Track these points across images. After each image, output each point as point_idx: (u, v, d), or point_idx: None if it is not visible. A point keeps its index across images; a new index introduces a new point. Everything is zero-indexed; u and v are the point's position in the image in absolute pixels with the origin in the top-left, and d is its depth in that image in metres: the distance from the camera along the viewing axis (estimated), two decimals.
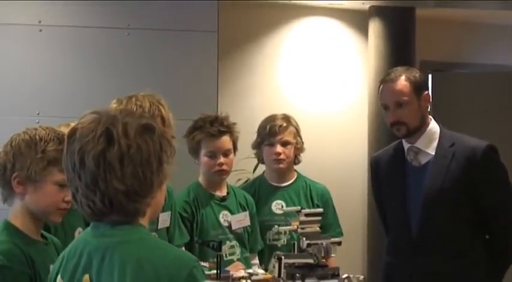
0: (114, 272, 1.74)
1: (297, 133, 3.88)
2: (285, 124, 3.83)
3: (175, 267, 1.73)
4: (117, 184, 1.74)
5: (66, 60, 4.63)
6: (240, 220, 3.63)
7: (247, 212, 3.67)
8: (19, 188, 2.28)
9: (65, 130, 2.63)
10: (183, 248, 3.41)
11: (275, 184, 3.91)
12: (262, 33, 5.73)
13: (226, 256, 3.50)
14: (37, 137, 2.30)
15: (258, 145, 3.91)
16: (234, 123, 3.66)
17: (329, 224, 3.91)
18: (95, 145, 1.75)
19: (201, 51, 4.76)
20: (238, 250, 3.59)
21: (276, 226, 3.21)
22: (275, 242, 3.74)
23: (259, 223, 3.70)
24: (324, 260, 2.97)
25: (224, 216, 3.62)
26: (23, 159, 2.26)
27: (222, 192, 3.67)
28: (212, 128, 3.57)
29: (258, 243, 3.73)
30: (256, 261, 3.66)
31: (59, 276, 1.87)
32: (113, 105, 3.08)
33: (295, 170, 3.98)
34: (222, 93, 5.13)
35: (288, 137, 3.83)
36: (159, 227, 3.23)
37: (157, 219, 3.19)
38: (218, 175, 3.61)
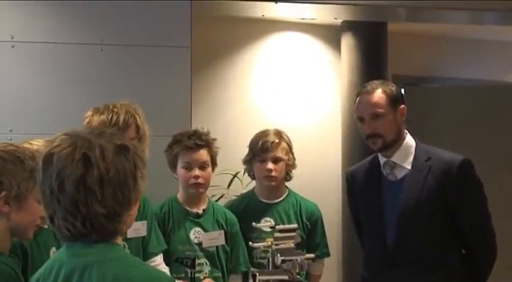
0: None
1: (289, 149, 3.87)
2: (277, 140, 3.82)
3: None
4: (98, 207, 1.77)
5: (39, 77, 4.60)
6: (213, 238, 3.59)
7: (222, 231, 3.63)
8: (6, 208, 2.21)
9: (27, 146, 2.60)
10: (161, 255, 3.40)
11: (265, 201, 3.89)
12: (235, 48, 5.74)
13: (192, 273, 3.46)
14: (18, 154, 2.25)
15: (249, 160, 3.89)
16: (214, 139, 3.67)
17: (316, 243, 3.90)
18: (73, 170, 1.76)
19: (175, 67, 4.75)
20: (206, 268, 3.55)
21: (250, 242, 3.20)
22: (262, 260, 3.67)
23: (247, 240, 3.63)
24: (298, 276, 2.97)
25: (196, 233, 3.60)
26: (11, 177, 2.20)
27: (199, 209, 3.65)
28: (189, 141, 3.59)
29: (241, 264, 3.66)
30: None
31: None
32: (89, 113, 3.08)
33: (287, 187, 3.97)
34: (196, 109, 5.13)
35: (280, 153, 3.82)
36: (129, 236, 3.21)
37: None
38: (194, 188, 3.59)
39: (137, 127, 3.07)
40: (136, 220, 3.15)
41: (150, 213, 3.40)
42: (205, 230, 3.61)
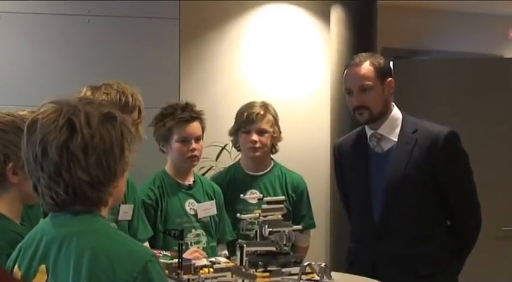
0: (71, 262, 1.74)
1: (275, 122, 3.87)
2: (262, 112, 3.83)
3: (130, 260, 1.72)
4: (82, 174, 1.74)
5: (26, 48, 4.57)
6: (206, 209, 3.62)
7: (213, 201, 3.66)
8: (15, 178, 2.23)
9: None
10: (147, 242, 3.38)
11: (250, 173, 3.90)
12: (224, 20, 5.70)
13: (191, 245, 3.49)
14: (17, 124, 2.24)
15: (234, 132, 3.89)
16: (202, 111, 3.67)
17: (302, 215, 3.92)
18: (57, 135, 1.74)
19: (163, 39, 4.73)
20: (204, 239, 3.58)
21: (238, 214, 3.21)
22: (248, 232, 3.71)
23: (233, 212, 3.65)
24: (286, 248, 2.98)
25: (190, 205, 3.61)
26: (16, 148, 2.18)
27: (189, 181, 3.66)
28: (185, 114, 3.56)
29: (227, 233, 3.71)
30: (225, 251, 3.66)
31: (16, 266, 1.86)
32: (88, 92, 3.03)
33: (272, 159, 3.97)
34: (184, 81, 5.11)
35: (265, 125, 3.82)
36: (119, 219, 3.20)
37: (118, 210, 3.17)
38: (190, 161, 3.59)
39: (139, 110, 3.07)
40: (124, 203, 3.16)
41: (137, 198, 3.37)
42: (198, 201, 3.62)
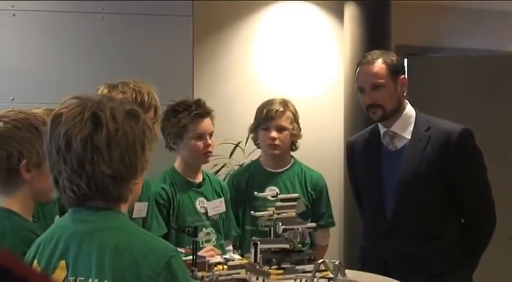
0: (92, 258, 1.75)
1: (294, 119, 3.86)
2: (281, 109, 3.81)
3: (153, 256, 1.73)
4: (104, 168, 1.75)
5: (40, 45, 4.59)
6: (216, 207, 3.62)
7: (222, 199, 3.65)
8: (28, 175, 2.24)
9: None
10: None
11: (270, 170, 3.89)
12: (237, 17, 5.71)
13: (202, 243, 3.48)
14: (31, 121, 2.26)
15: (254, 129, 3.88)
16: (210, 107, 3.67)
17: (321, 213, 3.91)
18: (82, 128, 1.75)
19: (176, 36, 4.74)
20: (214, 237, 3.58)
21: (252, 211, 3.20)
22: (266, 229, 3.71)
23: (251, 209, 3.62)
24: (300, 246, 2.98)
25: (200, 203, 3.60)
26: (30, 145, 2.22)
27: (199, 178, 3.65)
28: (200, 109, 3.55)
29: (233, 229, 3.72)
30: (230, 247, 3.66)
31: (35, 261, 1.87)
32: (105, 90, 3.03)
33: (292, 156, 3.96)
34: (198, 78, 5.11)
35: (284, 122, 3.81)
36: (134, 216, 3.21)
37: (132, 207, 3.18)
38: (205, 157, 3.58)
39: (155, 109, 3.07)
40: (139, 200, 3.17)
41: (151, 196, 3.37)
42: (207, 199, 3.61)
